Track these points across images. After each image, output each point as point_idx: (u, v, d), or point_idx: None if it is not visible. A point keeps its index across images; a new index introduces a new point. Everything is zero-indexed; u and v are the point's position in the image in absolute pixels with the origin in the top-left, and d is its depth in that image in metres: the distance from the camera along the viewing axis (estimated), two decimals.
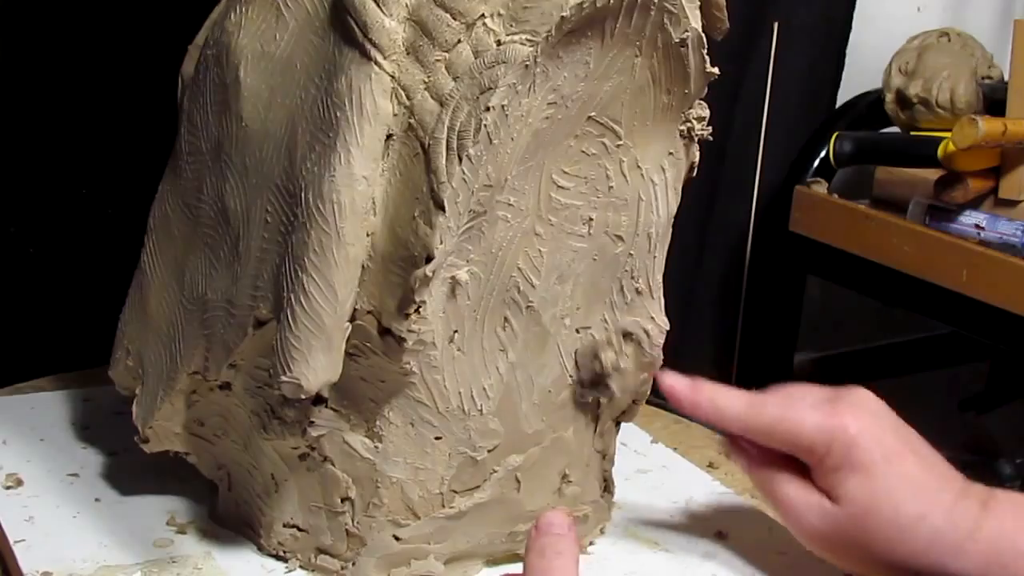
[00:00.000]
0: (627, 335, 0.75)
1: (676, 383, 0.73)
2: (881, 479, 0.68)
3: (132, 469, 0.82)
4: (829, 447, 0.69)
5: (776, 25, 1.52)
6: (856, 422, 0.69)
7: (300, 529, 0.73)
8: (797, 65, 1.56)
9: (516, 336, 0.71)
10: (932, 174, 1.38)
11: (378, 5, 0.64)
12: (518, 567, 0.69)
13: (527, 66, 0.63)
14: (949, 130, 1.31)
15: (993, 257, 1.31)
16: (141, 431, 0.75)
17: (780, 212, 1.54)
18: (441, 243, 0.63)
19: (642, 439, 0.94)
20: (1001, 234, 1.33)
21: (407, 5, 0.64)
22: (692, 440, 0.97)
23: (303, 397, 0.65)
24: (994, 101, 1.42)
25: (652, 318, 0.75)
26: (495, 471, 0.73)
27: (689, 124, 0.73)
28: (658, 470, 0.89)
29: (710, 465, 0.92)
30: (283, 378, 0.64)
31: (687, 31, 0.68)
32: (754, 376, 1.64)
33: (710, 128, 0.74)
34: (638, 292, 0.75)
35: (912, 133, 1.49)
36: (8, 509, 0.76)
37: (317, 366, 0.64)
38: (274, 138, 0.68)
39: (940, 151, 1.34)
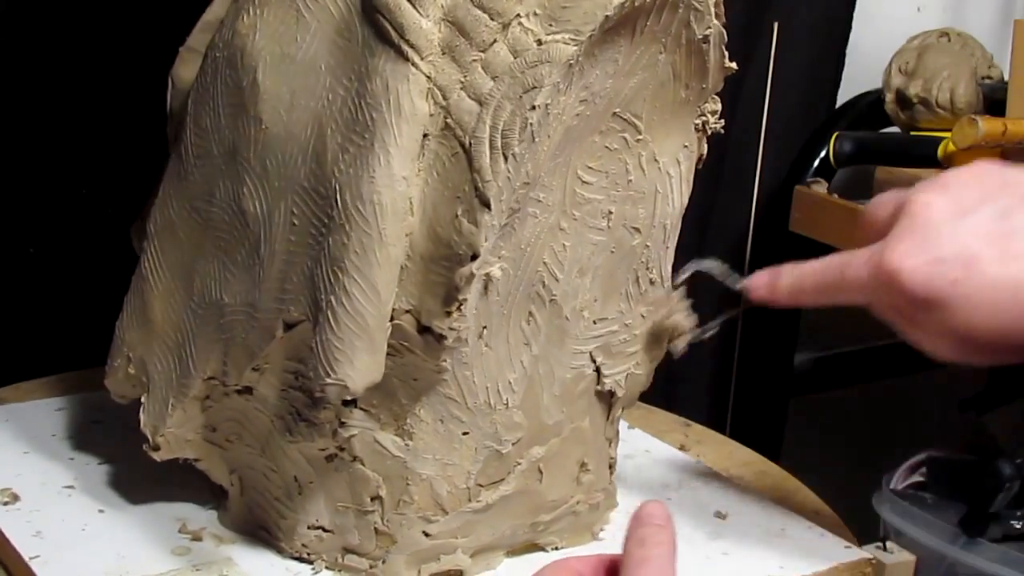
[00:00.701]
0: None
1: (761, 279, 0.73)
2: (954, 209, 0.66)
3: (128, 478, 0.82)
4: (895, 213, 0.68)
5: (776, 25, 1.52)
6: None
7: (325, 530, 0.74)
8: (797, 65, 1.56)
9: (539, 329, 0.73)
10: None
11: (413, 6, 0.65)
12: (540, 556, 0.76)
13: (570, 65, 0.64)
14: (949, 130, 1.31)
15: None
16: (151, 439, 0.74)
17: (780, 212, 1.53)
18: (486, 241, 0.64)
19: (620, 425, 0.97)
20: None
21: (443, 6, 0.65)
22: (658, 425, 1.00)
23: (348, 399, 0.66)
24: (994, 101, 1.42)
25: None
26: (519, 463, 0.75)
27: (704, 118, 0.76)
28: (642, 455, 0.91)
29: (681, 447, 0.96)
30: (328, 380, 0.65)
31: (710, 27, 0.71)
32: (754, 376, 1.64)
33: (722, 121, 0.76)
34: (652, 282, 0.77)
35: (912, 133, 1.49)
36: (13, 525, 0.76)
37: (362, 367, 0.65)
38: (298, 140, 0.68)
39: (940, 151, 1.34)
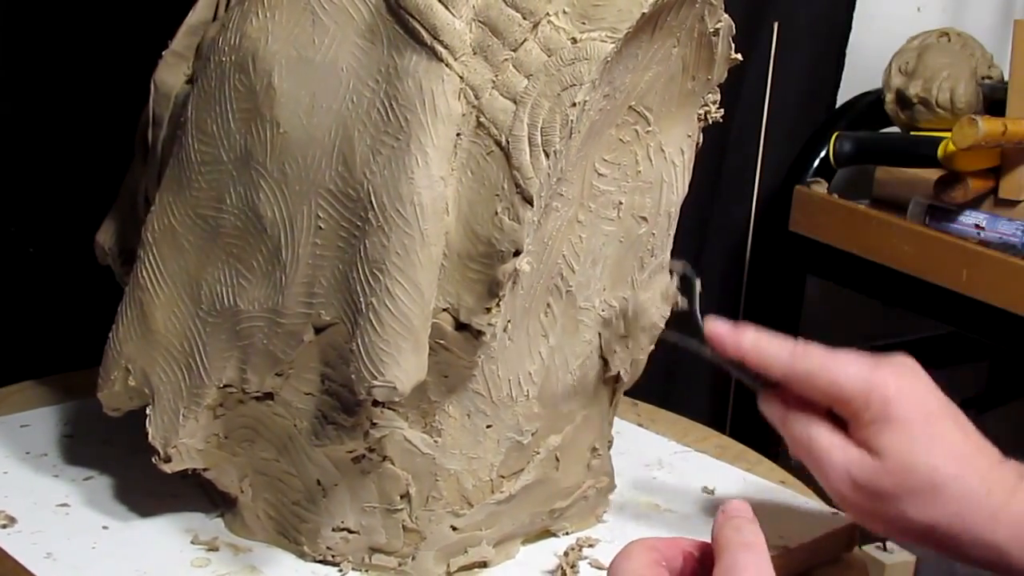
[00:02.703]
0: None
1: (719, 327, 0.73)
2: (919, 435, 0.68)
3: (121, 491, 0.81)
4: (868, 399, 0.69)
5: (776, 25, 1.52)
6: (897, 379, 0.69)
7: (351, 531, 0.74)
8: (797, 65, 1.56)
9: (556, 321, 0.75)
10: (932, 174, 1.39)
11: (445, 6, 0.65)
12: (553, 542, 0.78)
13: (608, 62, 0.66)
14: (949, 130, 1.32)
15: (993, 257, 1.32)
16: (162, 451, 0.74)
17: (780, 212, 1.54)
18: (528, 236, 0.66)
19: None
20: (1001, 234, 1.34)
21: (474, 6, 0.66)
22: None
23: (396, 399, 0.67)
24: (994, 101, 1.43)
25: (662, 293, 0.80)
26: (537, 452, 0.77)
27: (707, 108, 0.78)
28: (617, 437, 0.93)
29: (639, 427, 0.98)
30: (376, 383, 0.66)
31: (720, 21, 0.73)
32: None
33: (722, 111, 0.78)
34: (655, 269, 0.79)
35: (912, 133, 1.50)
36: (20, 548, 0.74)
37: (408, 367, 0.66)
38: (320, 144, 0.68)
39: (940, 151, 1.34)
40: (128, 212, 0.84)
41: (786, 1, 1.54)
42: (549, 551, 0.79)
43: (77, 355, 0.99)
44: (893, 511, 0.69)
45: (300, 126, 0.69)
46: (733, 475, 0.90)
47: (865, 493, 0.69)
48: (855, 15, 1.61)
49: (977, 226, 1.36)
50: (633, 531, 0.81)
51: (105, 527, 0.77)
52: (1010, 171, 1.37)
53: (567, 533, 0.81)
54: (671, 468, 0.91)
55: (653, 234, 0.78)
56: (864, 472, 0.69)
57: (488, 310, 0.67)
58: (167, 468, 0.74)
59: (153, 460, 0.74)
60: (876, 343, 1.79)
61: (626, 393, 1.01)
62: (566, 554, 0.77)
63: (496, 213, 0.66)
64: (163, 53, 0.78)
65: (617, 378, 0.80)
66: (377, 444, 0.72)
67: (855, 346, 1.97)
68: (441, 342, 0.69)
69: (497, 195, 0.66)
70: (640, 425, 0.98)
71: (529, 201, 0.65)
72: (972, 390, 1.87)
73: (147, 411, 0.75)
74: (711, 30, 0.73)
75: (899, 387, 0.69)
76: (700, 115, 0.77)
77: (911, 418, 0.68)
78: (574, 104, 0.65)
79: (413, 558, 0.74)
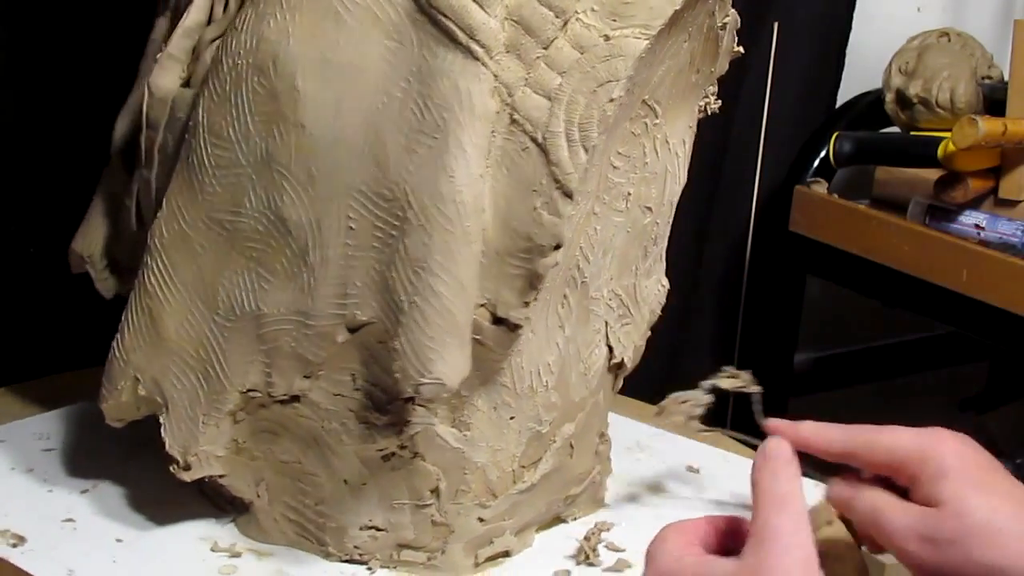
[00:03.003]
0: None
1: (779, 425, 0.75)
2: (975, 482, 0.71)
3: (122, 503, 0.81)
4: (924, 459, 0.71)
5: (776, 25, 1.52)
6: (950, 440, 0.73)
7: (379, 529, 0.75)
8: (797, 65, 1.56)
9: (571, 311, 0.76)
10: (932, 174, 1.39)
11: (480, 6, 0.66)
12: (563, 528, 0.81)
13: (641, 58, 0.68)
14: (949, 130, 1.32)
15: (993, 257, 1.32)
16: (182, 459, 0.74)
17: (780, 212, 1.54)
18: (568, 231, 0.67)
19: None
20: (1001, 234, 1.34)
21: (507, 5, 0.67)
22: None
23: (444, 396, 0.68)
24: (994, 101, 1.43)
25: (659, 280, 0.83)
26: (554, 441, 0.79)
27: (707, 99, 0.80)
28: None
29: None
30: (424, 380, 0.67)
31: (728, 15, 0.76)
32: (754, 376, 1.64)
33: (720, 102, 0.80)
34: (656, 257, 0.81)
35: (912, 133, 1.50)
36: (41, 567, 0.74)
37: (455, 363, 0.67)
38: (349, 145, 0.69)
39: (940, 151, 1.34)
40: (110, 219, 0.83)
41: (786, 1, 1.54)
42: (562, 537, 0.81)
43: (77, 355, 0.99)
44: (959, 557, 0.71)
45: (326, 128, 0.69)
46: (712, 453, 0.94)
47: (930, 545, 0.71)
48: (855, 15, 1.61)
49: (977, 226, 1.36)
50: (635, 513, 0.84)
51: (119, 540, 0.77)
52: (1010, 171, 1.37)
53: (575, 519, 0.83)
54: (652, 450, 0.93)
55: (657, 223, 0.80)
56: (926, 524, 0.71)
57: (526, 304, 0.69)
58: (186, 477, 0.74)
59: (171, 469, 0.74)
60: (876, 343, 1.79)
61: (627, 393, 1.02)
62: (587, 539, 0.79)
63: (535, 208, 0.67)
64: (157, 56, 0.77)
65: (620, 364, 0.82)
66: (409, 441, 0.73)
67: (855, 346, 1.97)
68: (477, 337, 0.70)
69: (535, 191, 0.67)
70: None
71: (569, 196, 0.67)
72: (972, 390, 1.87)
73: (160, 420, 0.74)
74: (719, 24, 0.75)
75: (951, 446, 0.72)
76: (701, 107, 0.79)
77: (966, 468, 0.71)
78: (611, 100, 0.66)
79: (442, 552, 0.75)
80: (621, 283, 0.79)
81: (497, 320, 0.70)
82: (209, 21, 0.77)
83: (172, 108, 0.77)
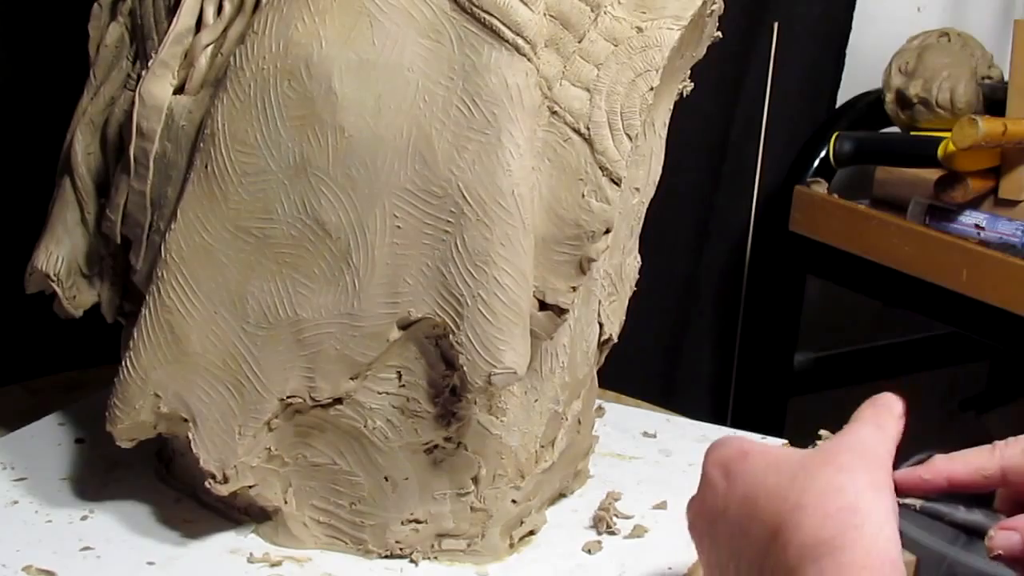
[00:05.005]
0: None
1: (916, 471, 0.70)
2: None
3: (131, 526, 0.78)
4: None
5: (776, 25, 1.52)
6: None
7: (419, 521, 0.77)
8: (797, 65, 1.57)
9: (579, 293, 0.78)
10: (932, 174, 1.39)
11: (524, 3, 0.69)
12: (566, 502, 0.84)
13: (675, 48, 0.72)
14: (949, 130, 1.32)
15: (993, 257, 1.32)
16: (220, 473, 0.73)
17: (780, 212, 1.55)
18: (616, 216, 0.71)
19: None
20: (1001, 234, 1.34)
21: (546, 1, 0.71)
22: None
23: (514, 384, 0.71)
24: (994, 101, 1.44)
25: (635, 256, 0.86)
26: (566, 419, 0.82)
27: (684, 83, 0.83)
28: None
29: None
30: (496, 370, 0.69)
31: (716, 2, 0.78)
32: (754, 376, 1.64)
33: (692, 84, 0.84)
34: (638, 235, 0.85)
35: (912, 133, 1.50)
36: None
37: (522, 351, 0.70)
38: (391, 145, 0.70)
39: (940, 151, 1.34)
40: (75, 235, 0.81)
41: (786, 1, 1.54)
42: (568, 511, 0.84)
43: (77, 355, 0.99)
44: None
45: (366, 129, 0.70)
46: (661, 418, 0.99)
47: None
48: (855, 15, 1.62)
49: (977, 226, 1.36)
50: (620, 478, 0.88)
51: (151, 563, 0.75)
52: (1010, 171, 1.37)
53: (573, 492, 0.86)
54: (606, 420, 0.97)
55: (642, 203, 0.83)
56: None
57: (574, 288, 0.72)
58: (224, 490, 0.74)
59: (207, 484, 0.73)
60: (876, 343, 1.79)
61: (627, 393, 1.03)
62: (605, 509, 0.83)
63: (583, 196, 0.70)
64: (148, 64, 0.76)
65: (608, 340, 0.85)
66: (455, 433, 0.75)
67: (855, 346, 1.97)
68: None
69: (581, 179, 0.71)
70: None
71: (617, 182, 0.70)
72: (972, 390, 1.87)
73: (190, 436, 0.73)
74: (708, 12, 0.78)
75: None
76: (679, 90, 0.83)
77: None
78: (651, 88, 0.71)
79: (481, 537, 0.77)
80: (612, 262, 0.83)
81: (544, 306, 0.72)
82: (199, 26, 0.76)
83: (169, 116, 0.75)
